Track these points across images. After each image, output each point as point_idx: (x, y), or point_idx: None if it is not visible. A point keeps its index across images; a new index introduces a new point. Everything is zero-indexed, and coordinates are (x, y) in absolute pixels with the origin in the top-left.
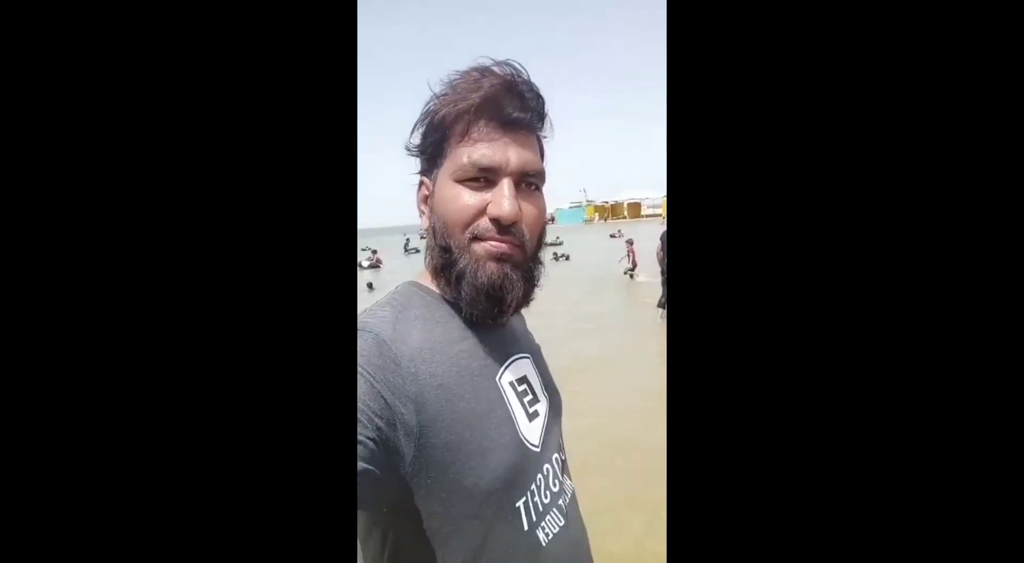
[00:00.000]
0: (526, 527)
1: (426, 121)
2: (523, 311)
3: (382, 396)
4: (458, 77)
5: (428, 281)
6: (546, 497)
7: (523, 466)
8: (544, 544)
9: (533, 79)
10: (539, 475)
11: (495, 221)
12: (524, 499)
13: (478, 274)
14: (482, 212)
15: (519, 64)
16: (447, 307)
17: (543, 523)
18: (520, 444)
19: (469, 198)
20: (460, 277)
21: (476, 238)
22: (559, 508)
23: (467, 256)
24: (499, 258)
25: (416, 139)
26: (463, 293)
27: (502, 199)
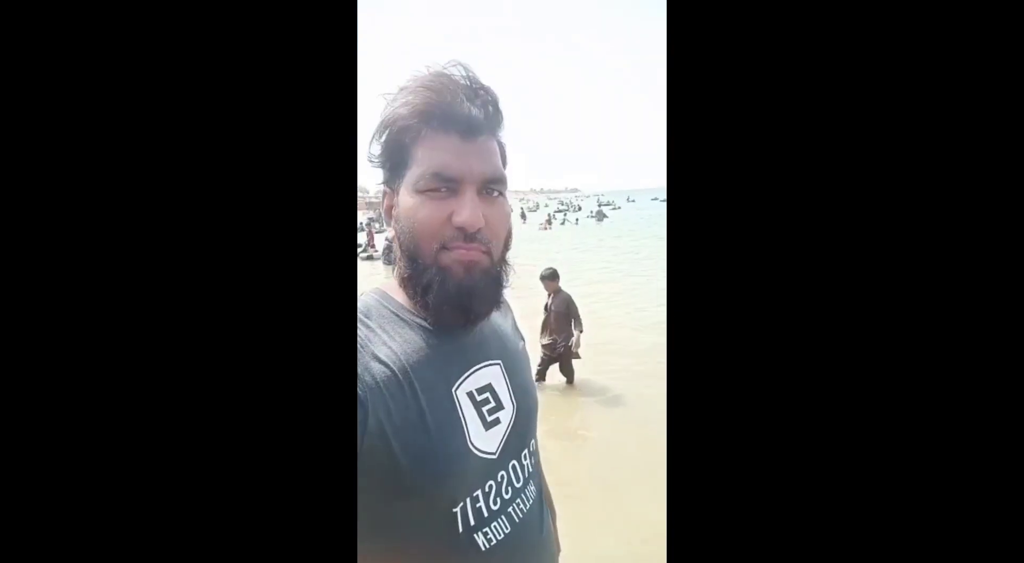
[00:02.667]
0: (460, 530)
1: (384, 131)
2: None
3: None
4: (410, 84)
5: (394, 290)
6: (494, 504)
7: (468, 474)
8: (483, 548)
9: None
10: (490, 481)
11: (460, 229)
12: (462, 504)
13: (446, 283)
14: (447, 221)
15: (468, 68)
16: (410, 317)
17: (486, 528)
18: (467, 453)
19: (433, 208)
20: (428, 287)
21: (443, 247)
22: (507, 515)
23: (435, 266)
24: (467, 265)
25: (375, 149)
26: (431, 302)
27: (464, 208)
